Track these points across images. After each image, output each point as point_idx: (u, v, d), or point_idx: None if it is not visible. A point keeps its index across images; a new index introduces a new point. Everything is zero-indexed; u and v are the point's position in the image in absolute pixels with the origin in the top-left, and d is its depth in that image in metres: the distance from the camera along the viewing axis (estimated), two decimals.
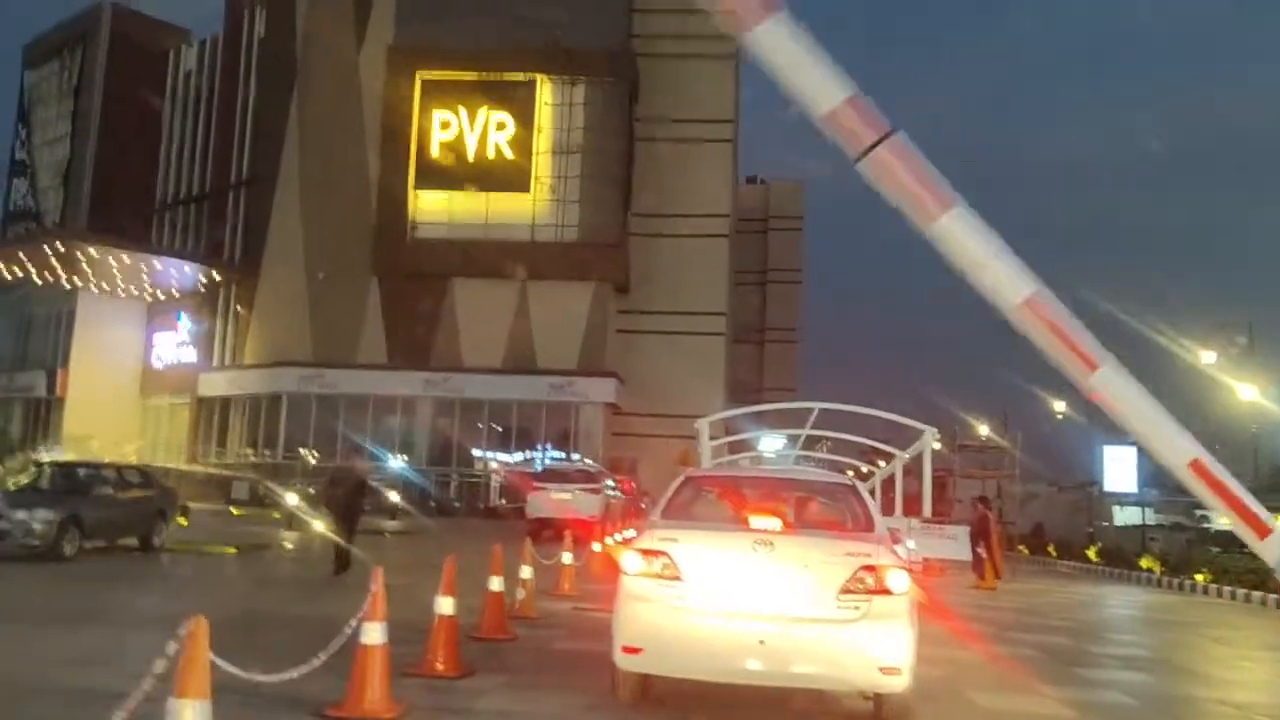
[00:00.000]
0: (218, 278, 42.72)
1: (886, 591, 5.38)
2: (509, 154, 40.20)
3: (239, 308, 42.59)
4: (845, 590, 5.36)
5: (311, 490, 24.27)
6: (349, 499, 13.76)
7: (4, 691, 5.76)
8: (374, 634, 5.35)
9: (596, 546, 14.88)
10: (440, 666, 6.57)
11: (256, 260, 41.94)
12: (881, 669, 5.38)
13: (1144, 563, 24.48)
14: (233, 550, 15.84)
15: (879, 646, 5.36)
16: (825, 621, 5.30)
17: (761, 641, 5.33)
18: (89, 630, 8.14)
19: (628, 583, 5.64)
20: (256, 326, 41.78)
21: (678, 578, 5.49)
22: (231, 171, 44.76)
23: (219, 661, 4.00)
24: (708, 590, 5.46)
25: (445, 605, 6.63)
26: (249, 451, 39.68)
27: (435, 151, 40.42)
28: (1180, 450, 3.08)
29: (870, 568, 5.42)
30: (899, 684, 5.47)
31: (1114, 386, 4.71)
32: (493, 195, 40.02)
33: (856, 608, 5.31)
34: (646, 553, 5.63)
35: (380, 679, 5.36)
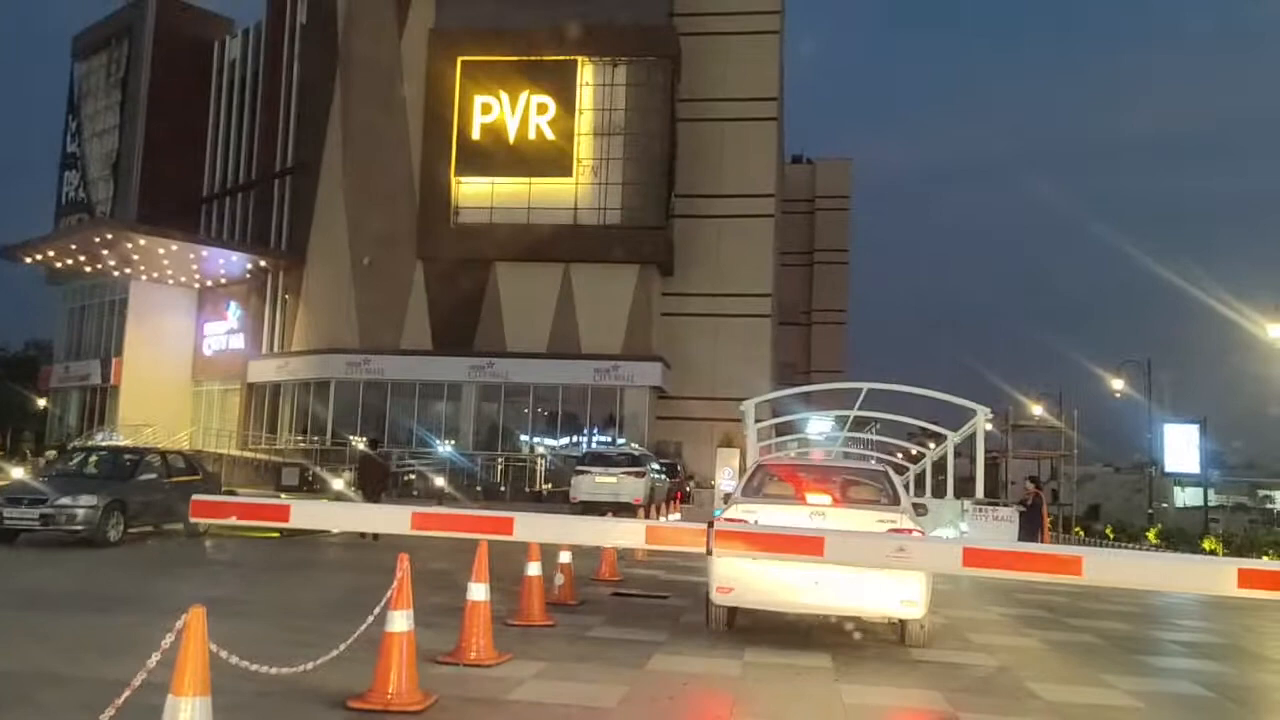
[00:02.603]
0: (265, 265, 43.07)
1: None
2: (550, 136, 39.94)
3: (286, 295, 42.92)
4: None
5: (347, 474, 25.12)
6: (375, 480, 18.37)
7: (32, 680, 5.64)
8: (399, 622, 5.13)
9: None
10: (473, 654, 6.35)
11: (302, 247, 42.22)
12: (902, 601, 7.45)
13: (1207, 544, 23.71)
14: (276, 535, 15.83)
15: (900, 585, 7.36)
16: None
17: (816, 582, 7.35)
18: (125, 616, 8.06)
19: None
20: (304, 313, 42.09)
21: None
22: (276, 159, 45.03)
23: (222, 654, 3.78)
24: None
25: (478, 591, 6.41)
26: (298, 437, 40.03)
27: (477, 135, 40.30)
28: (1220, 574, 2.73)
29: (895, 529, 7.36)
30: (916, 613, 7.60)
31: None
32: (535, 178, 39.84)
33: None
34: (733, 520, 7.46)
35: (407, 668, 5.14)
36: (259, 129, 46.45)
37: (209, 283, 45.59)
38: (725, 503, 10.03)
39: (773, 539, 3.34)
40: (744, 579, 7.59)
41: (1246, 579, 2.24)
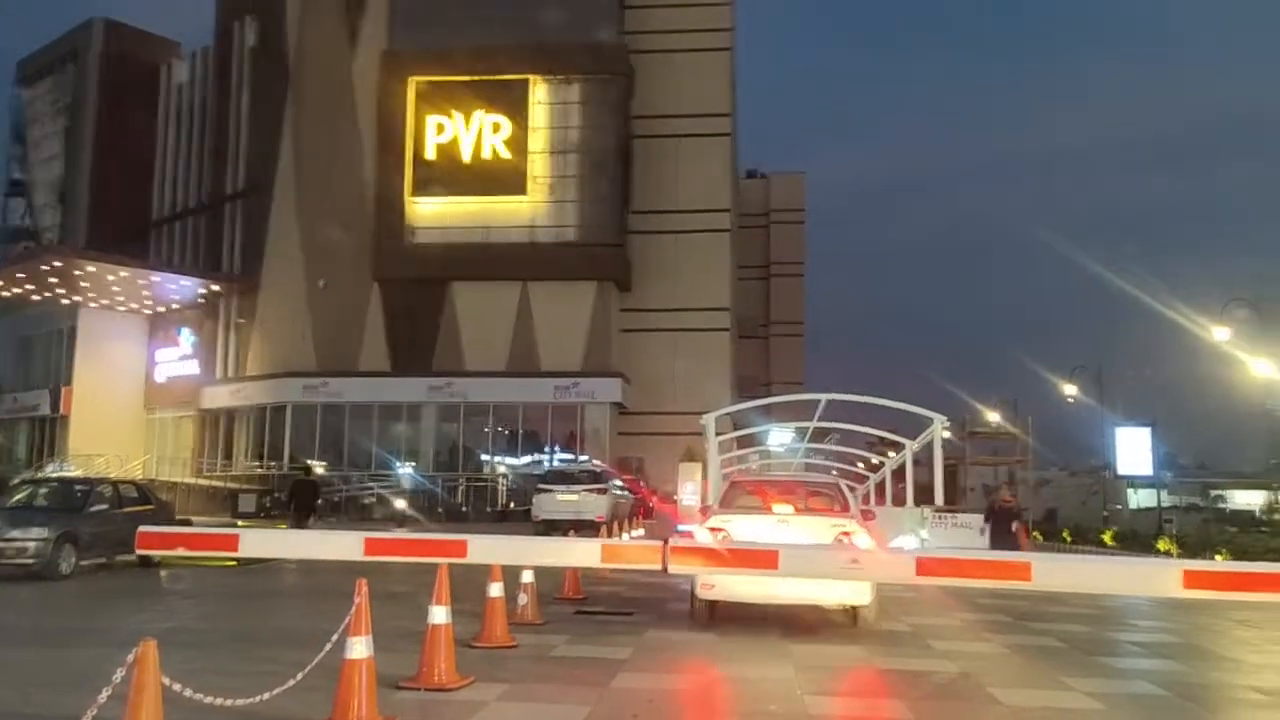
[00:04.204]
0: (217, 289, 42.53)
1: (855, 547, 8.31)
2: (505, 155, 39.94)
3: (240, 319, 42.39)
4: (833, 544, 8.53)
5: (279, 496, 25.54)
6: (305, 500, 20.32)
7: None
8: (358, 648, 5.07)
9: None
10: (435, 678, 6.28)
11: (256, 271, 41.75)
12: (854, 591, 8.85)
13: (1161, 545, 24.09)
14: (233, 563, 15.55)
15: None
16: None
17: (784, 579, 7.89)
18: (77, 650, 7.87)
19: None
20: (258, 337, 41.58)
21: (731, 541, 7.85)
22: (228, 182, 44.55)
23: (175, 687, 3.71)
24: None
25: (438, 614, 6.34)
26: (255, 463, 39.46)
27: (431, 155, 40.18)
28: (1166, 575, 2.79)
29: (845, 532, 8.84)
30: (865, 600, 9.10)
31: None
32: (490, 197, 39.78)
33: None
34: (713, 529, 8.87)
35: (367, 695, 5.07)
36: (209, 152, 45.95)
37: (160, 309, 44.91)
38: (690, 516, 11.26)
39: (726, 554, 3.35)
40: (724, 577, 8.58)
41: (1191, 580, 2.29)
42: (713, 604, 9.47)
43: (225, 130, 44.69)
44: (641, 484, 33.90)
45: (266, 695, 4.47)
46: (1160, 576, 2.38)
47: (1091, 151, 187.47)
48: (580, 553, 3.29)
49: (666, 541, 2.68)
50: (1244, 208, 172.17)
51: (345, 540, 3.16)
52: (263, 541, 3.24)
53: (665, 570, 2.70)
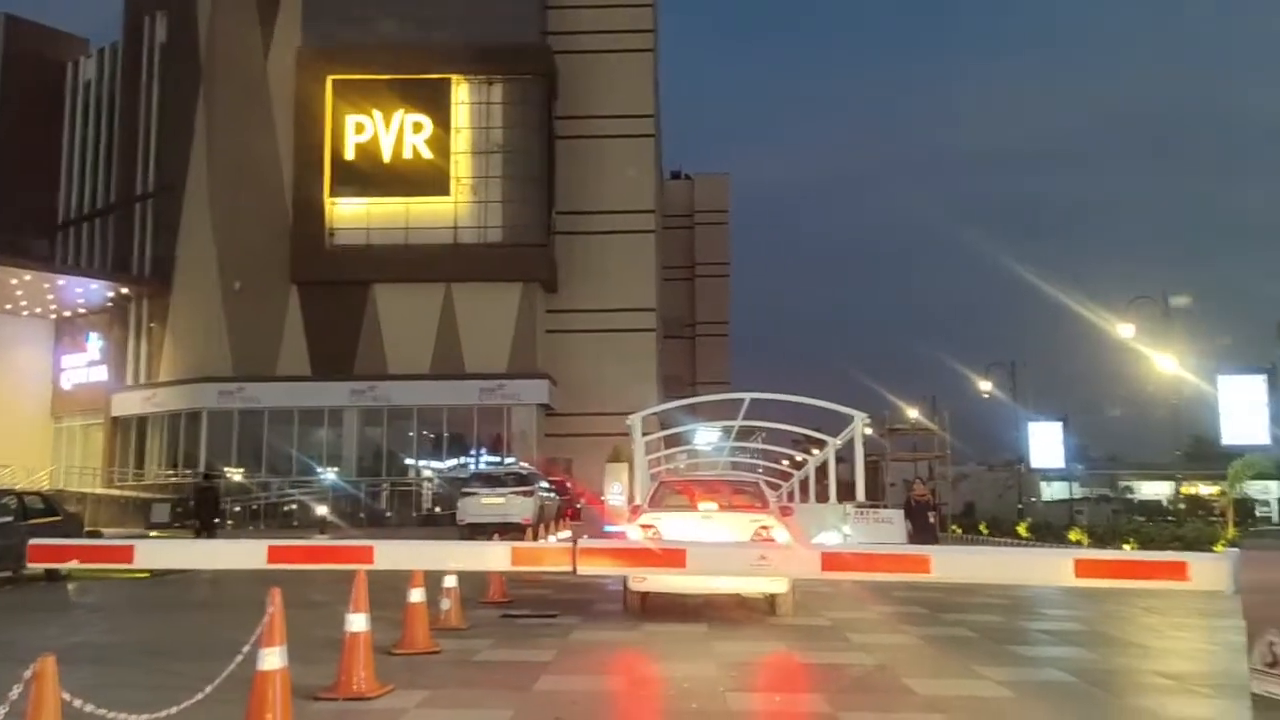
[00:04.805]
0: (126, 293, 41.22)
1: (772, 540, 9.13)
2: (427, 155, 39.51)
3: (151, 323, 41.15)
4: (751, 539, 9.20)
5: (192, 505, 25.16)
6: (210, 511, 20.76)
7: None
8: (272, 659, 4.95)
9: None
10: (354, 687, 6.17)
11: (168, 273, 40.58)
12: (771, 581, 9.41)
13: (1072, 535, 24.91)
14: (145, 574, 15.09)
15: None
16: None
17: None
18: None
19: (635, 542, 8.28)
20: (171, 342, 40.42)
21: (660, 537, 8.98)
22: (138, 183, 43.22)
23: (76, 703, 3.59)
24: (678, 543, 8.06)
25: (357, 622, 6.23)
26: (169, 472, 38.34)
27: (351, 155, 39.53)
28: (1059, 565, 2.90)
29: (764, 527, 9.49)
30: (782, 589, 9.81)
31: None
32: (413, 198, 39.30)
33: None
34: (644, 525, 9.61)
35: (280, 707, 4.96)
36: (118, 151, 44.53)
37: (67, 313, 43.36)
38: (617, 517, 11.47)
39: (635, 553, 3.38)
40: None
41: (1082, 569, 2.39)
42: (644, 595, 10.10)
43: (135, 129, 43.36)
44: (569, 485, 33.83)
45: (174, 710, 4.34)
46: (1053, 566, 2.47)
47: (1010, 151, 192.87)
48: (490, 556, 3.27)
49: (576, 543, 2.68)
50: (1156, 206, 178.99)
51: (247, 548, 3.10)
52: (160, 552, 3.14)
53: (574, 571, 2.71)
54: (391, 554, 2.95)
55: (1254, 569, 2.26)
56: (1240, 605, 2.29)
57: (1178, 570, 2.44)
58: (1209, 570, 2.40)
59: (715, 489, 11.51)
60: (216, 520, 22.52)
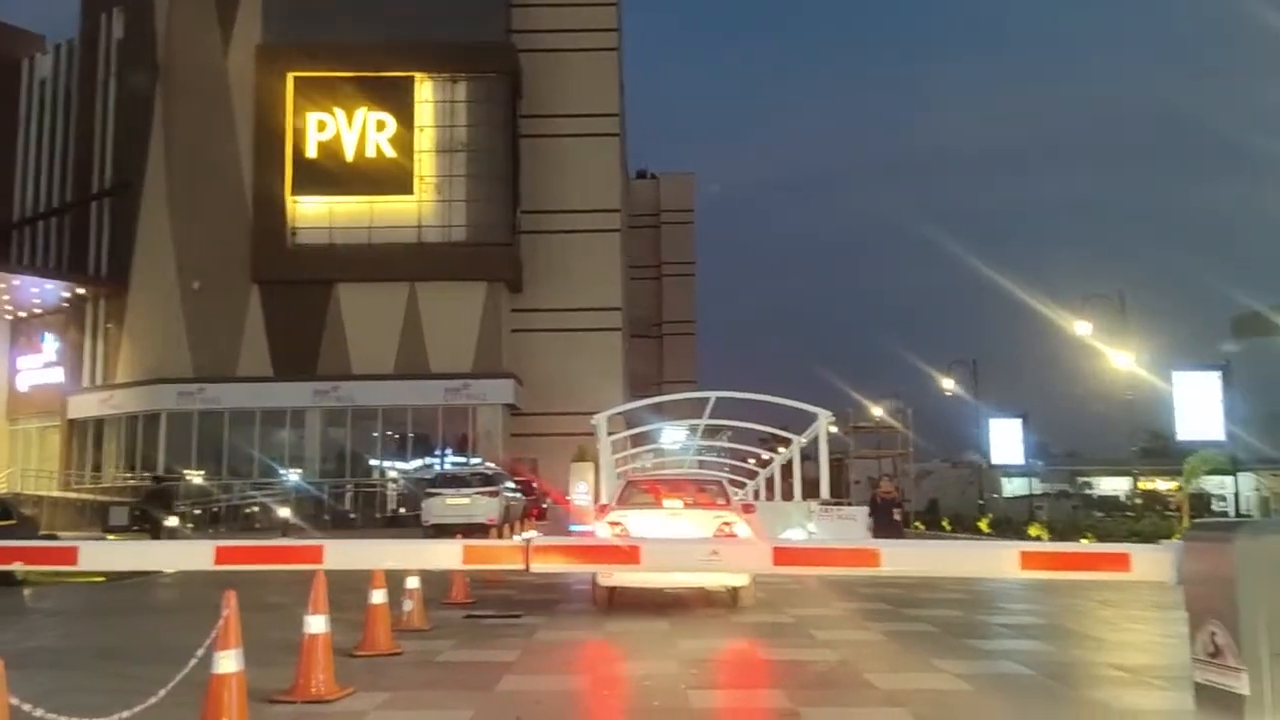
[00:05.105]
0: (83, 293, 40.57)
1: (734, 535, 9.58)
2: (390, 154, 39.21)
3: (108, 324, 40.50)
4: (714, 535, 9.57)
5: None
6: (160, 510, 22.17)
7: None
8: (227, 662, 4.89)
9: None
10: (313, 690, 6.11)
11: (125, 273, 39.96)
12: (731, 574, 9.49)
13: (1032, 530, 25.23)
14: (102, 579, 14.86)
15: None
16: None
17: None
18: None
19: (603, 539, 8.73)
20: (129, 342, 39.80)
21: (629, 534, 9.37)
22: (94, 181, 42.52)
23: (25, 707, 3.53)
24: (632, 541, 8.05)
25: (316, 623, 6.17)
26: (127, 474, 37.75)
27: (313, 153, 39.13)
28: (1004, 556, 2.96)
29: (727, 523, 9.87)
30: (744, 582, 10.16)
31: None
32: (376, 196, 38.99)
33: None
34: (612, 523, 10.07)
35: (237, 710, 4.91)
36: (74, 150, 43.77)
37: (22, 314, 42.56)
38: (582, 516, 12.33)
39: (588, 551, 3.39)
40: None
41: (1027, 560, 2.43)
42: (612, 590, 10.38)
43: (91, 127, 42.66)
44: (535, 484, 33.75)
45: (126, 714, 4.28)
46: (1000, 558, 2.52)
47: (974, 150, 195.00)
48: (441, 554, 3.26)
49: (529, 541, 2.69)
50: (1116, 206, 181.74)
51: (195, 550, 3.06)
52: (105, 553, 3.09)
53: (528, 569, 2.71)
54: (342, 553, 2.93)
55: (1195, 560, 2.30)
56: (1183, 596, 2.35)
57: (1121, 562, 2.49)
58: (1151, 562, 2.45)
59: (680, 487, 12.07)
60: (170, 523, 22.32)
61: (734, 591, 10.50)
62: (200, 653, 4.79)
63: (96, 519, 31.82)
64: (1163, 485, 46.55)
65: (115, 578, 14.77)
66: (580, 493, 25.80)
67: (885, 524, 19.29)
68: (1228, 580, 2.13)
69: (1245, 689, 2.11)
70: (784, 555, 2.57)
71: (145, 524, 27.34)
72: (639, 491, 11.96)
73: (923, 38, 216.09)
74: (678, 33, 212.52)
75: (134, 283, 39.65)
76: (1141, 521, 25.17)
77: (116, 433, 39.34)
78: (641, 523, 10.01)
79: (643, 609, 10.37)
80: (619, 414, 24.21)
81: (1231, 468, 27.17)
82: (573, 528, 23.52)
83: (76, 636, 10.25)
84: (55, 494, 37.72)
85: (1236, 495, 27.83)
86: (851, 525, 19.99)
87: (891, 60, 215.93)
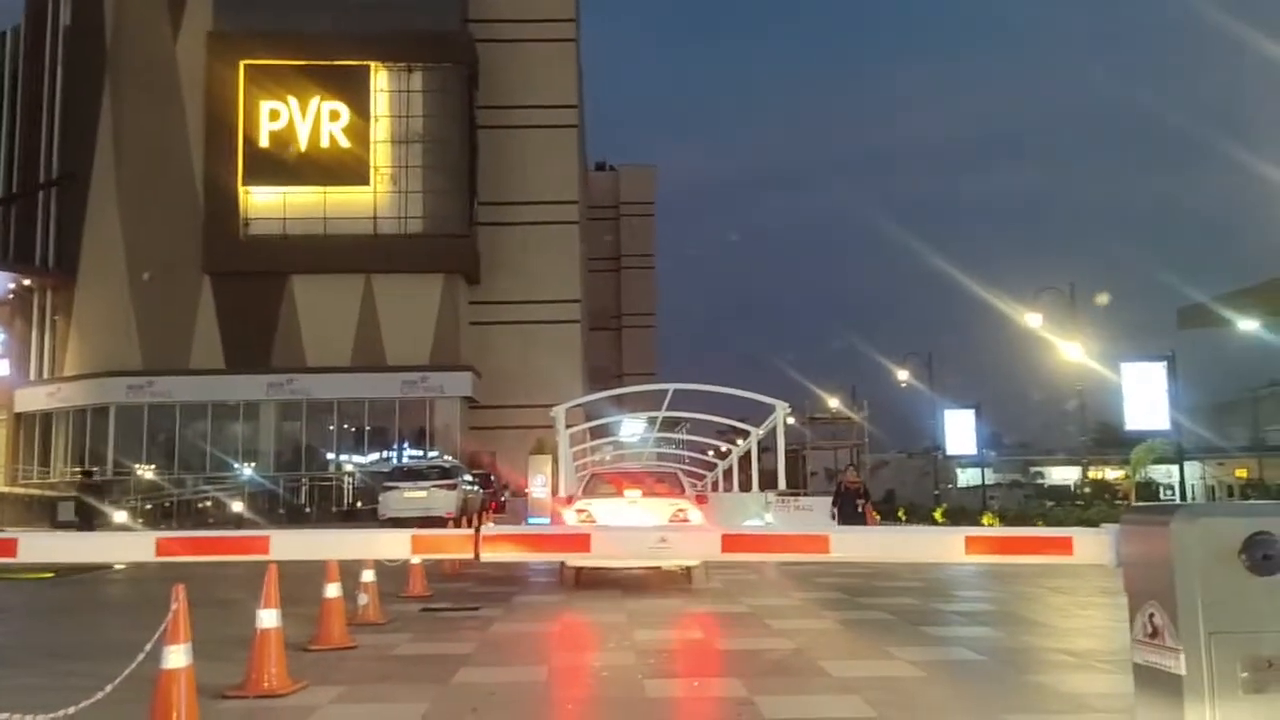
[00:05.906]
0: (30, 285, 39.71)
1: (688, 520, 10.95)
2: (345, 144, 38.75)
3: (56, 316, 39.68)
4: (670, 520, 10.84)
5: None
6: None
7: None
8: (176, 657, 4.82)
9: None
10: (265, 684, 6.04)
11: (73, 264, 39.15)
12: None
13: (985, 519, 25.61)
14: (49, 575, 14.56)
15: None
16: None
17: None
18: None
19: (570, 525, 9.91)
20: (77, 335, 39.02)
21: (593, 520, 10.70)
22: (40, 171, 41.59)
23: None
24: (608, 524, 9.49)
25: (267, 618, 6.10)
26: (75, 469, 37.02)
27: (265, 143, 38.56)
28: (950, 541, 3.03)
29: (681, 510, 11.20)
30: (695, 561, 10.53)
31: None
32: (330, 187, 38.52)
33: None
34: (579, 510, 11.19)
35: (186, 706, 4.83)
36: (19, 139, 42.78)
37: None
38: (540, 509, 12.56)
39: (539, 539, 3.39)
40: None
41: (972, 545, 2.47)
42: (578, 570, 11.41)
43: (37, 115, 41.70)
44: (494, 477, 33.65)
45: (72, 710, 4.21)
46: (945, 543, 2.56)
47: (933, 147, 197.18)
48: (390, 544, 3.22)
49: (478, 530, 2.68)
50: (1069, 201, 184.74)
51: (135, 541, 3.01)
52: (45, 546, 3.02)
53: (477, 559, 2.70)
54: (289, 544, 2.89)
55: (1133, 542, 2.35)
56: (1122, 579, 2.40)
57: (1063, 545, 2.54)
58: (1091, 545, 2.50)
59: (640, 479, 13.35)
60: (119, 518, 21.98)
61: (688, 570, 11.59)
62: (149, 647, 4.72)
63: (45, 514, 31.27)
64: (1112, 474, 47.53)
65: (64, 573, 14.49)
66: (538, 485, 25.78)
67: (849, 514, 19.47)
68: (1164, 562, 2.17)
69: (1182, 669, 2.16)
70: (732, 543, 2.58)
71: (79, 517, 26.87)
72: (603, 483, 13.27)
73: (883, 38, 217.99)
74: (640, 31, 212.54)
75: (82, 274, 38.86)
76: (1090, 510, 25.64)
77: (65, 427, 38.58)
78: (605, 510, 11.20)
79: (600, 600, 10.40)
80: (578, 406, 24.17)
81: (1177, 456, 27.76)
82: (530, 519, 23.44)
83: (22, 634, 10.05)
84: (2, 489, 36.97)
85: (1182, 483, 28.45)
86: (808, 516, 20.18)
87: (853, 60, 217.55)
